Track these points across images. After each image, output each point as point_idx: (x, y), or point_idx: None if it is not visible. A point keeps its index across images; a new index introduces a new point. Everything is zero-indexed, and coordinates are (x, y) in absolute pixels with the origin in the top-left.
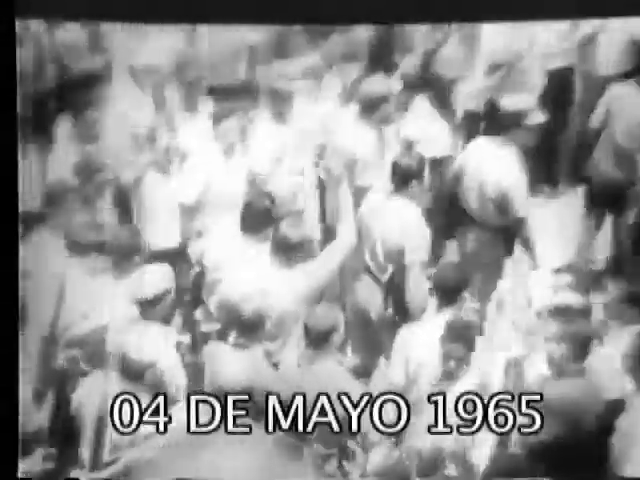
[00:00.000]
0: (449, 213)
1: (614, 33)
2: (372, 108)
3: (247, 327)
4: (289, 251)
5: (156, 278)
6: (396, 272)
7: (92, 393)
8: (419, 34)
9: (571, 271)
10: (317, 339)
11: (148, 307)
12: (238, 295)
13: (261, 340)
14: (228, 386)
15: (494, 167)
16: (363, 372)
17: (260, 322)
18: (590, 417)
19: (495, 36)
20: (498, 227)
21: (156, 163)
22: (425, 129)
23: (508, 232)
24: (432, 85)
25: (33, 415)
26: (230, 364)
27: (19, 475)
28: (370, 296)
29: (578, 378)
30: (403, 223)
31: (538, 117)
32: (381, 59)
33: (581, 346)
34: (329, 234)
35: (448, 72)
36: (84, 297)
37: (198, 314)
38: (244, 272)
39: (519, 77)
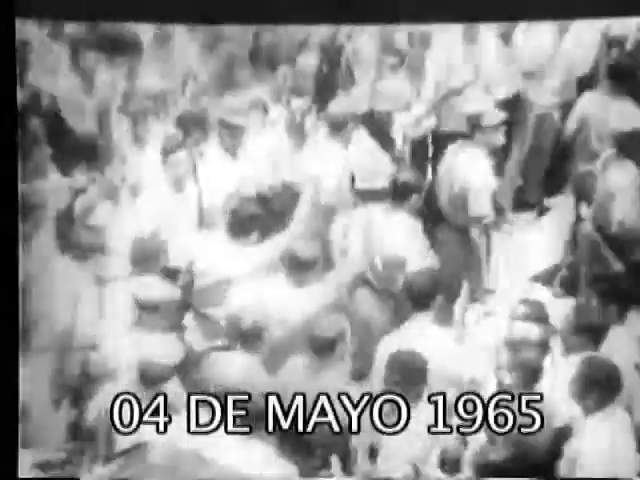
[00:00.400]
0: (432, 219)
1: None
2: (339, 128)
3: (249, 337)
4: (299, 269)
5: (160, 287)
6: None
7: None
8: (365, 65)
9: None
10: (323, 348)
11: (148, 312)
12: (241, 306)
13: (262, 348)
14: (228, 389)
15: (463, 167)
16: (359, 376)
17: (261, 333)
18: (538, 443)
19: (441, 68)
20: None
21: (106, 194)
22: (368, 160)
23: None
24: (374, 117)
25: (38, 416)
26: (230, 370)
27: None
28: (369, 306)
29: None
30: (403, 235)
31: (498, 116)
32: (326, 91)
33: (531, 374)
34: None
35: (392, 104)
36: (91, 302)
37: (189, 321)
38: (246, 283)
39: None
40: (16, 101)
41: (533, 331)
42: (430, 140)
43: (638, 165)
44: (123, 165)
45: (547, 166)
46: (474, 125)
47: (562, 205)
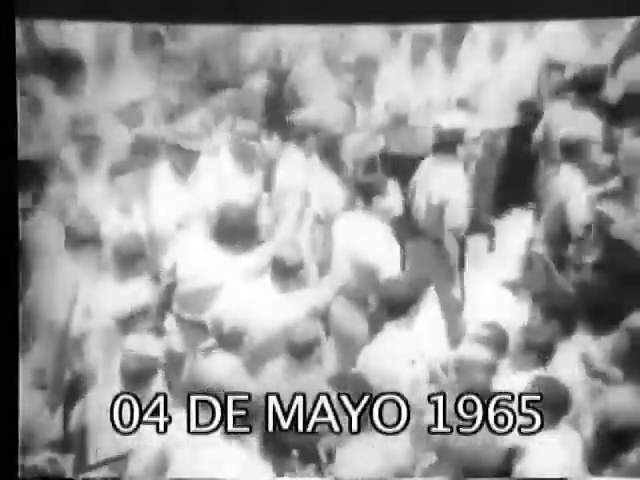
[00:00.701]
0: (406, 228)
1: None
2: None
3: (229, 341)
4: (284, 274)
5: (135, 293)
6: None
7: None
8: (313, 87)
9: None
10: (300, 352)
11: (129, 322)
12: (223, 311)
13: (243, 352)
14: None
15: (440, 181)
16: (339, 382)
17: (241, 338)
18: (489, 464)
19: (389, 92)
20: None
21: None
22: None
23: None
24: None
25: (37, 418)
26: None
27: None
28: (346, 313)
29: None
30: (372, 240)
31: (475, 131)
32: (274, 114)
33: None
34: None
35: (338, 126)
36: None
37: (169, 324)
38: (230, 289)
39: (410, 132)
40: (16, 102)
41: (482, 353)
42: (379, 161)
43: (585, 174)
44: (71, 187)
45: (497, 185)
46: (454, 138)
47: (516, 220)
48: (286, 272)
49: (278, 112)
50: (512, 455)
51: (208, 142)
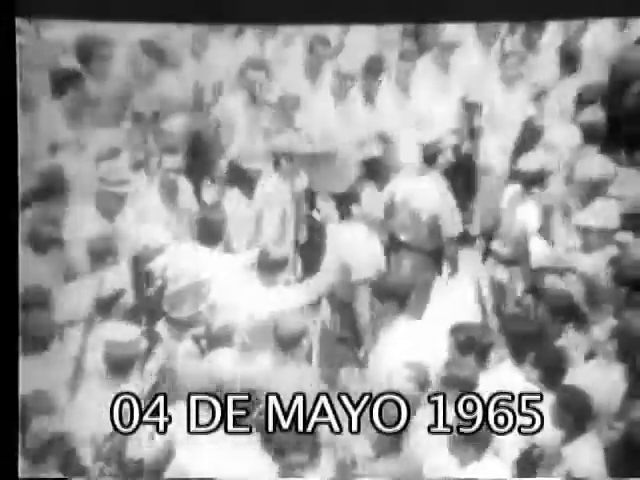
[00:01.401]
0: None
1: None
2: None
3: (220, 339)
4: (270, 268)
5: (112, 278)
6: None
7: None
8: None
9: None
10: (287, 343)
11: (105, 305)
12: (212, 308)
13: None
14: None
15: (423, 194)
16: (329, 378)
17: (231, 334)
18: None
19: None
20: (431, 250)
21: None
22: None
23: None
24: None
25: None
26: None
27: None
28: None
29: (397, 457)
30: (352, 242)
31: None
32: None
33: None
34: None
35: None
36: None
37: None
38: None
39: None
40: (16, 101)
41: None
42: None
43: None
44: None
45: None
46: (434, 151)
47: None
48: (273, 271)
49: (201, 149)
50: None
51: (135, 181)
